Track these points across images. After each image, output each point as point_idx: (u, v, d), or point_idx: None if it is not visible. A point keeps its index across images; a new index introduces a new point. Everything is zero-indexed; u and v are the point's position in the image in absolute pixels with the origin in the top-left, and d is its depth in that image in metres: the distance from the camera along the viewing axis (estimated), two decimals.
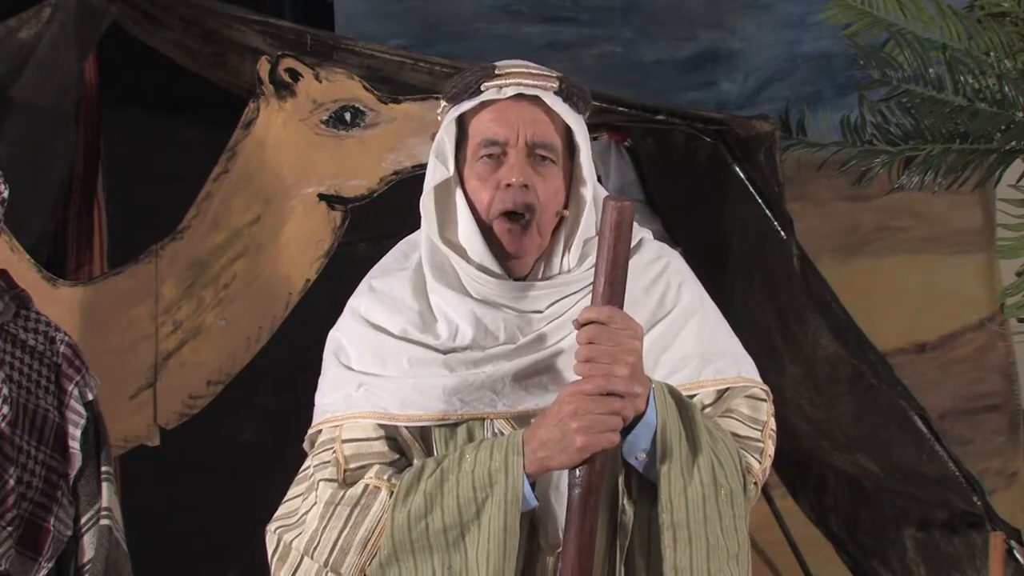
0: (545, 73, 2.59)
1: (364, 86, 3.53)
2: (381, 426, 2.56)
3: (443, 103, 2.63)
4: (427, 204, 2.60)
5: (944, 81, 3.98)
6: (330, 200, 3.54)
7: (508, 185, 2.53)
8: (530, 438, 2.46)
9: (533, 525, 2.53)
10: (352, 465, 2.55)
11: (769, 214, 4.09)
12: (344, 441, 2.56)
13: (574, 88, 2.59)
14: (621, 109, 3.99)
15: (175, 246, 3.53)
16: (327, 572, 2.52)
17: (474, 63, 2.66)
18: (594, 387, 2.42)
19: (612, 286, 2.45)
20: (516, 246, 2.55)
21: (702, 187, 4.28)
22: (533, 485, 2.48)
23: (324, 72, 3.53)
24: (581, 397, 2.42)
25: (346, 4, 4.92)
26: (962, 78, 3.98)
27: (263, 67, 3.51)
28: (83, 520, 2.82)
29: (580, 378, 2.45)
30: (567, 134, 2.59)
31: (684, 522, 2.47)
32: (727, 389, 2.62)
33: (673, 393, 2.51)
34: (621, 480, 2.51)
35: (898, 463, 4.04)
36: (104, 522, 2.83)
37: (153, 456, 3.57)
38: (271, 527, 2.61)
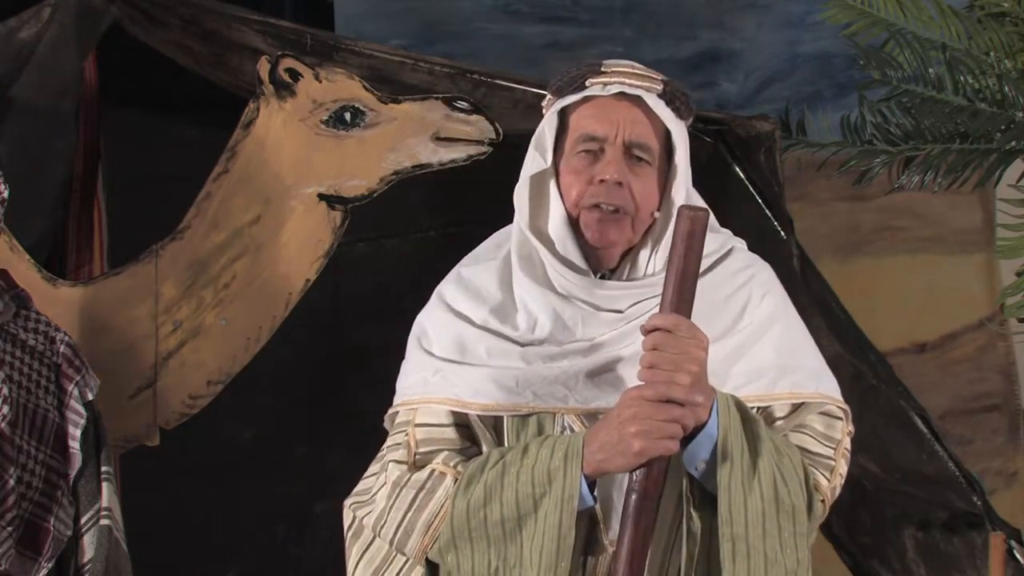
0: (650, 75, 2.60)
1: (364, 86, 3.53)
2: (454, 413, 2.59)
3: (548, 95, 2.64)
4: (521, 194, 2.62)
5: (944, 81, 3.98)
6: (330, 200, 3.54)
7: (602, 181, 2.55)
8: (590, 439, 2.48)
9: (594, 520, 2.54)
10: (422, 449, 2.58)
11: (769, 214, 4.09)
12: (417, 425, 2.60)
13: (678, 92, 2.61)
14: None
15: (175, 246, 3.53)
16: (394, 552, 2.56)
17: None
18: (654, 393, 2.44)
19: (680, 294, 2.45)
20: (602, 235, 2.56)
21: (702, 187, 4.27)
22: (592, 485, 2.48)
23: (324, 72, 3.53)
24: (641, 402, 2.44)
25: (346, 4, 4.92)
26: (962, 78, 3.97)
27: (263, 67, 3.51)
28: (83, 520, 2.83)
29: (642, 383, 2.45)
30: (666, 137, 2.59)
31: (743, 535, 2.47)
32: (802, 404, 2.61)
33: (739, 405, 2.51)
34: (686, 488, 2.51)
35: (898, 463, 4.04)
36: (104, 522, 2.83)
37: (153, 456, 3.57)
38: (347, 502, 2.68)
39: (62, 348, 2.84)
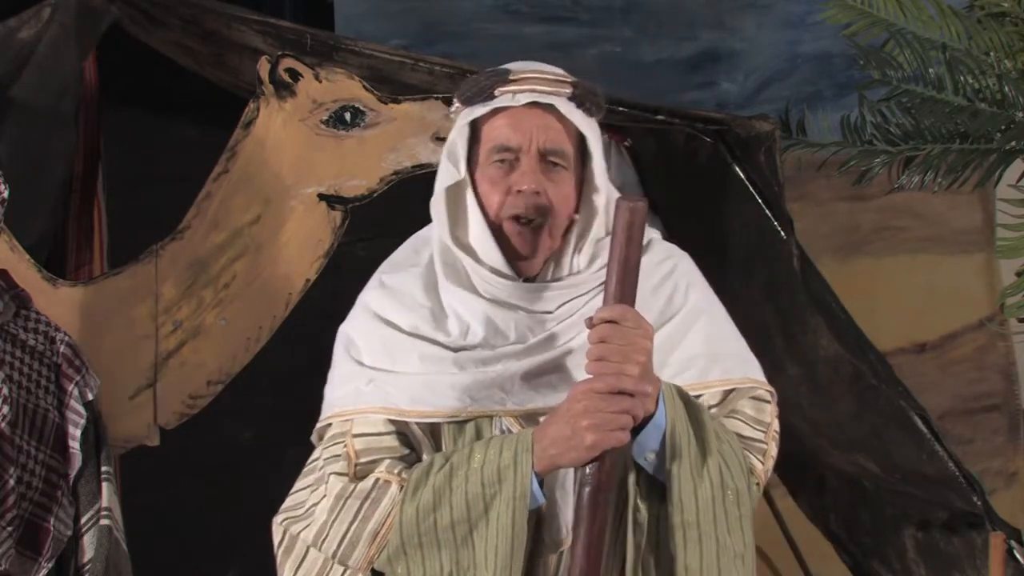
0: (559, 79, 2.60)
1: (364, 86, 3.53)
2: (391, 421, 2.58)
3: (456, 104, 2.63)
4: (438, 206, 2.62)
5: (944, 81, 3.98)
6: (330, 200, 3.54)
7: (520, 191, 2.55)
8: (540, 436, 2.47)
9: (537, 522, 2.54)
10: (363, 459, 2.57)
11: (769, 214, 4.09)
12: (355, 436, 2.58)
13: (588, 93, 2.60)
14: (621, 109, 3.99)
15: (175, 246, 3.53)
16: (334, 564, 2.54)
17: (485, 65, 2.67)
18: (605, 385, 2.44)
19: (624, 285, 2.46)
20: (527, 247, 2.57)
21: (702, 187, 4.27)
22: (541, 483, 2.48)
23: (324, 72, 3.53)
24: (592, 395, 2.44)
25: (346, 4, 4.92)
26: (962, 78, 3.97)
27: (263, 67, 3.51)
28: (83, 520, 2.83)
29: (591, 376, 2.45)
30: (580, 139, 2.59)
31: (695, 522, 2.48)
32: (733, 390, 2.63)
33: (681, 394, 2.53)
34: (632, 479, 2.52)
35: (898, 463, 4.04)
36: (104, 522, 2.83)
37: (153, 456, 3.57)
38: (277, 519, 2.63)
39: (62, 348, 2.84)
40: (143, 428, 3.50)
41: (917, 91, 4.01)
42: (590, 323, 2.47)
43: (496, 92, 2.58)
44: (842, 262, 5.23)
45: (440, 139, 3.52)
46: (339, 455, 2.59)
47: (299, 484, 2.66)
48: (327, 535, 2.55)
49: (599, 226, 2.61)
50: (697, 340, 2.62)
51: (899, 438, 4.01)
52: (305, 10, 4.73)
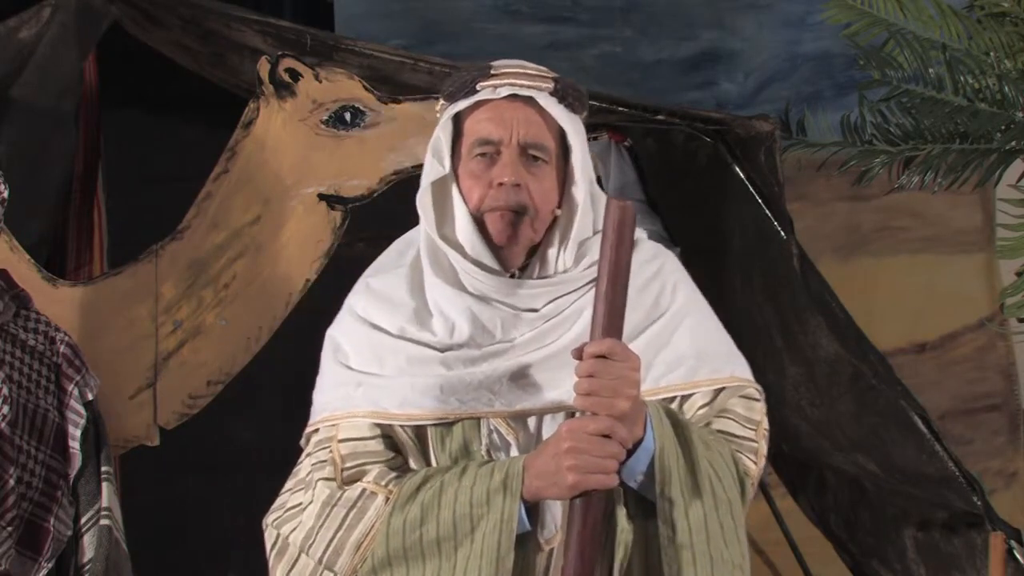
0: (541, 73, 2.61)
1: (364, 86, 3.54)
2: (377, 425, 2.57)
3: (440, 101, 2.65)
4: (424, 201, 2.63)
5: (944, 81, 3.98)
6: (330, 200, 3.54)
7: (500, 184, 2.55)
8: (529, 464, 2.48)
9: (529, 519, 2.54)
10: (348, 464, 2.57)
11: (769, 214, 4.09)
12: (340, 440, 2.58)
13: (569, 89, 2.60)
14: (621, 109, 3.99)
15: (175, 246, 3.53)
16: (322, 570, 2.54)
17: (472, 63, 2.68)
18: (596, 429, 2.43)
19: (611, 310, 2.46)
20: (505, 236, 2.56)
21: (702, 187, 4.27)
22: (529, 509, 2.48)
23: (324, 72, 3.53)
24: (580, 435, 2.44)
25: (346, 4, 4.92)
26: (962, 78, 3.97)
27: (263, 67, 3.51)
28: (83, 520, 2.83)
29: (582, 414, 2.46)
30: (561, 135, 2.60)
31: (688, 543, 2.49)
32: (722, 388, 2.63)
33: (669, 414, 2.53)
34: (620, 498, 2.52)
35: (898, 463, 4.04)
36: (104, 522, 2.83)
37: (153, 456, 3.57)
38: (268, 519, 2.63)
39: (62, 348, 2.84)
40: (143, 428, 3.50)
41: (917, 91, 4.01)
42: (578, 354, 2.46)
43: (478, 86, 2.59)
44: (842, 262, 5.23)
45: None
46: (325, 460, 2.59)
47: (288, 485, 2.67)
48: (314, 540, 2.55)
49: (583, 223, 2.60)
50: (684, 340, 2.62)
51: (899, 438, 4.01)
52: (305, 10, 4.73)
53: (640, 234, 2.70)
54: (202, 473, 4.13)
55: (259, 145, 3.53)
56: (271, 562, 2.62)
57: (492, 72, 2.60)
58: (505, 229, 2.56)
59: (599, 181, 4.46)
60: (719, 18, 5.40)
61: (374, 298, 2.66)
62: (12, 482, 2.70)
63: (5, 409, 2.71)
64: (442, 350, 2.58)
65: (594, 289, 2.50)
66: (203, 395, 3.54)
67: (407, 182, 3.57)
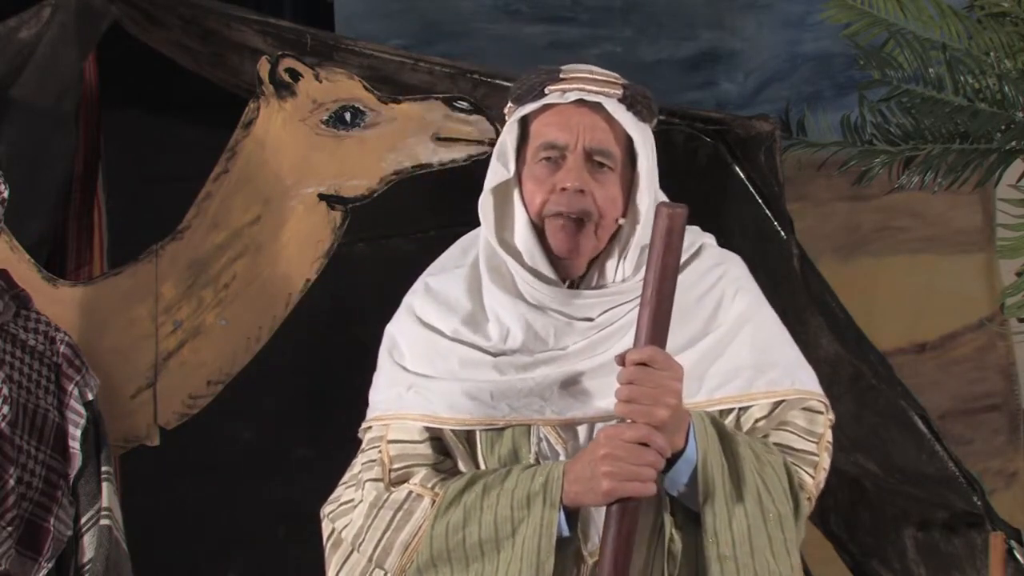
0: (610, 79, 2.59)
1: (364, 86, 3.53)
2: (427, 428, 2.57)
3: (509, 104, 2.62)
4: (485, 206, 2.60)
5: (944, 81, 3.98)
6: (330, 200, 3.54)
7: (564, 189, 2.53)
8: (569, 469, 2.47)
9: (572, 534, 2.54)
10: (396, 465, 2.58)
11: (769, 214, 4.08)
12: (390, 441, 2.59)
13: (639, 96, 2.59)
14: None
15: (175, 246, 3.53)
16: (373, 567, 2.55)
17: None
18: (633, 436, 2.42)
19: (655, 321, 2.44)
20: (567, 245, 2.54)
21: (702, 187, 4.27)
22: (569, 514, 2.48)
23: (324, 72, 3.53)
24: (617, 442, 2.43)
25: (346, 4, 4.92)
26: (962, 78, 3.97)
27: (263, 67, 3.51)
28: (83, 520, 2.83)
29: (621, 420, 2.45)
30: (628, 142, 2.58)
31: (731, 555, 2.47)
32: (782, 401, 2.60)
33: (715, 423, 2.51)
34: (667, 510, 2.51)
35: (898, 463, 4.04)
36: (104, 522, 2.83)
37: (153, 456, 3.57)
38: (325, 510, 2.66)
39: (62, 348, 2.84)
40: (143, 428, 3.50)
41: (917, 91, 4.01)
42: (621, 361, 2.45)
43: (546, 90, 2.57)
44: (842, 262, 5.23)
45: (440, 139, 3.52)
46: (375, 460, 2.60)
47: (345, 477, 2.69)
48: (364, 539, 2.57)
49: (645, 232, 2.56)
50: (743, 350, 2.59)
51: (899, 438, 4.01)
52: (305, 10, 4.73)
53: (706, 239, 2.68)
54: (202, 473, 4.12)
55: (259, 145, 3.53)
56: (327, 552, 2.64)
57: (561, 76, 2.58)
58: (566, 241, 2.54)
59: None
60: (719, 18, 5.40)
61: (431, 298, 2.65)
62: (12, 482, 2.70)
63: (5, 409, 2.71)
64: (495, 355, 2.58)
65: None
66: (203, 395, 3.54)
67: (407, 182, 3.57)
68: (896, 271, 5.39)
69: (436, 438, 2.59)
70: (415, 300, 2.68)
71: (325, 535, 2.65)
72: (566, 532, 2.49)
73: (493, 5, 5.17)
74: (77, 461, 2.82)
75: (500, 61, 4.79)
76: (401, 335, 2.66)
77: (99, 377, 2.91)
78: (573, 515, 2.50)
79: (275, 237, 3.55)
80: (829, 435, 2.65)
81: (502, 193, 2.60)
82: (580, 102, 2.56)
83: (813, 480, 2.61)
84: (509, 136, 2.60)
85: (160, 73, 3.87)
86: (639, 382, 2.42)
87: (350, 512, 2.60)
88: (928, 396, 4.48)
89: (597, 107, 2.56)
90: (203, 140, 3.80)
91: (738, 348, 2.60)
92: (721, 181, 4.16)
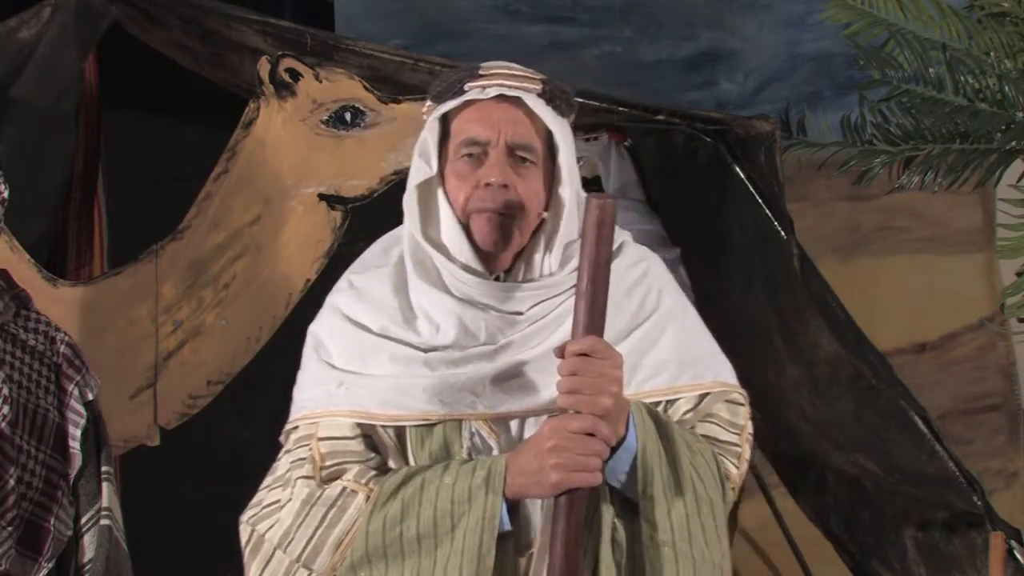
0: (528, 75, 2.60)
1: (364, 86, 3.54)
2: (359, 425, 2.57)
3: (428, 102, 2.64)
4: (410, 202, 2.61)
5: (944, 81, 3.98)
6: (330, 200, 3.55)
7: (487, 184, 2.54)
8: (512, 462, 2.47)
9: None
10: (328, 463, 2.56)
11: (769, 214, 4.09)
12: (320, 439, 2.58)
13: (557, 91, 2.59)
14: (621, 109, 3.99)
15: (175, 246, 3.53)
16: (299, 567, 2.54)
17: (470, 64, 2.68)
18: (579, 427, 2.43)
19: (593, 308, 2.45)
20: (492, 238, 2.55)
21: (702, 187, 4.27)
22: (511, 507, 2.48)
23: (324, 72, 3.53)
24: (563, 433, 2.43)
25: (346, 4, 4.92)
26: (962, 78, 3.97)
27: (263, 67, 3.51)
28: (83, 520, 2.82)
29: (566, 411, 2.45)
30: (549, 137, 2.59)
31: (671, 542, 2.49)
32: (707, 394, 2.62)
33: (651, 412, 2.53)
34: (608, 499, 2.51)
35: (898, 463, 4.04)
36: (104, 522, 2.83)
37: (153, 456, 3.57)
38: (244, 516, 2.63)
39: (62, 348, 2.84)
40: (143, 428, 3.50)
41: (917, 91, 4.01)
42: (560, 353, 2.46)
43: (466, 87, 2.58)
44: (842, 262, 5.23)
45: None
46: (305, 459, 2.59)
47: (265, 482, 2.66)
48: (292, 538, 2.55)
49: (569, 226, 2.58)
50: (668, 345, 2.61)
51: (899, 438, 4.01)
52: (305, 10, 4.74)
53: (625, 236, 2.69)
54: (202, 473, 4.13)
55: (259, 145, 3.53)
56: (246, 558, 2.62)
57: (480, 73, 2.59)
58: (492, 234, 2.55)
59: (599, 181, 4.48)
60: (719, 18, 5.40)
61: (357, 296, 2.64)
62: (12, 482, 2.70)
63: (5, 409, 2.71)
64: (426, 351, 2.57)
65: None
66: (203, 395, 3.54)
67: (407, 182, 3.57)
68: (896, 271, 5.40)
69: (367, 435, 2.58)
70: (340, 298, 2.67)
71: (244, 540, 2.62)
72: (508, 526, 2.49)
73: (493, 5, 5.17)
74: (77, 461, 2.82)
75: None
76: (327, 334, 2.65)
77: (99, 377, 2.90)
78: (512, 509, 2.50)
79: (275, 237, 3.55)
80: (750, 427, 2.69)
81: (425, 190, 2.61)
82: (501, 97, 2.57)
83: (737, 471, 2.64)
84: (430, 133, 2.61)
85: (160, 73, 3.87)
86: (582, 372, 2.43)
87: (276, 513, 2.58)
88: (928, 396, 4.48)
89: (517, 102, 2.57)
90: (203, 140, 3.80)
91: (665, 343, 2.62)
92: (721, 181, 4.16)
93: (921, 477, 4.02)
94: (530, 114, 2.57)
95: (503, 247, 2.56)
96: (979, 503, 3.98)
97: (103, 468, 2.86)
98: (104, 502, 2.84)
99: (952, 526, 4.08)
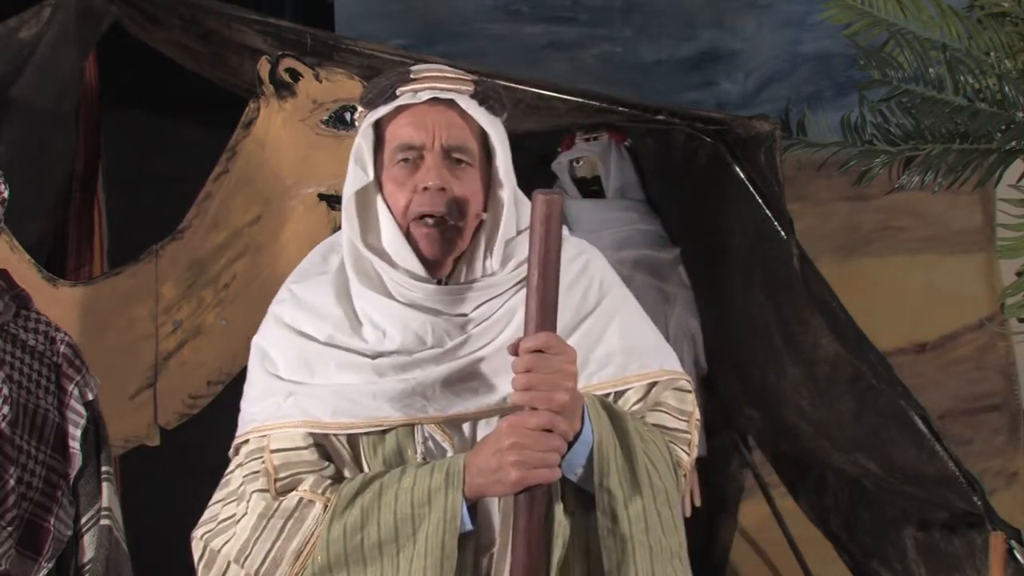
0: (460, 76, 2.59)
1: (364, 86, 3.54)
2: (311, 435, 2.56)
3: (360, 109, 2.62)
4: (348, 210, 2.58)
5: (944, 81, 3.98)
6: (330, 200, 3.55)
7: (425, 188, 2.53)
8: (470, 462, 2.46)
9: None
10: (282, 474, 2.54)
11: (769, 214, 4.09)
12: (273, 451, 2.56)
13: (490, 91, 2.59)
14: (621, 109, 3.99)
15: (175, 246, 3.53)
16: None
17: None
18: (537, 423, 2.42)
19: (544, 297, 2.44)
20: (434, 249, 2.54)
21: (702, 187, 4.28)
22: (471, 508, 2.47)
23: (324, 72, 3.53)
24: (521, 431, 2.42)
25: (346, 4, 4.92)
26: (962, 78, 3.97)
27: (263, 67, 3.51)
28: (83, 520, 2.82)
29: (521, 409, 2.44)
30: (484, 137, 2.58)
31: (628, 532, 2.49)
32: (655, 383, 2.63)
33: (604, 405, 2.53)
34: (557, 494, 2.51)
35: (898, 463, 4.04)
36: (104, 522, 2.83)
37: (153, 456, 3.57)
38: (196, 532, 2.60)
39: (62, 348, 2.84)
40: (143, 428, 3.50)
41: (917, 91, 4.01)
42: (514, 350, 2.45)
43: (398, 92, 2.56)
44: (842, 262, 5.23)
45: None
46: (258, 472, 2.56)
47: (216, 496, 2.64)
48: (250, 553, 2.52)
49: (508, 225, 2.58)
50: (614, 336, 2.61)
51: (899, 438, 4.01)
52: (305, 10, 4.74)
53: (563, 231, 2.68)
54: (202, 473, 4.12)
55: (259, 145, 3.53)
56: (199, 575, 2.60)
57: (412, 77, 2.57)
58: (434, 245, 2.54)
59: (599, 181, 4.48)
60: (719, 18, 5.41)
61: (299, 306, 2.62)
62: (12, 482, 2.70)
63: (5, 409, 2.71)
64: (373, 357, 2.55)
65: (524, 289, 2.49)
66: (203, 395, 3.54)
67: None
68: (896, 271, 5.39)
69: (319, 444, 2.56)
70: (282, 309, 2.64)
71: (196, 556, 2.59)
72: (469, 526, 2.48)
73: (493, 5, 5.17)
74: (77, 461, 2.82)
75: (500, 61, 4.80)
76: (271, 345, 2.62)
77: (99, 377, 2.90)
78: (472, 509, 2.49)
79: (275, 237, 3.55)
80: (698, 413, 2.69)
81: (363, 197, 2.60)
82: (433, 100, 2.56)
83: (688, 457, 2.64)
84: (364, 140, 2.59)
85: (160, 73, 3.87)
86: (537, 369, 2.43)
87: (231, 527, 2.55)
88: (928, 396, 4.49)
89: (450, 104, 2.56)
90: (203, 140, 3.80)
91: (611, 335, 2.61)
92: (721, 181, 4.16)
93: (921, 477, 4.02)
94: (464, 115, 2.56)
95: (447, 255, 2.56)
96: (979, 503, 3.98)
97: (103, 468, 2.86)
98: (104, 502, 2.84)
99: (952, 526, 4.08)
